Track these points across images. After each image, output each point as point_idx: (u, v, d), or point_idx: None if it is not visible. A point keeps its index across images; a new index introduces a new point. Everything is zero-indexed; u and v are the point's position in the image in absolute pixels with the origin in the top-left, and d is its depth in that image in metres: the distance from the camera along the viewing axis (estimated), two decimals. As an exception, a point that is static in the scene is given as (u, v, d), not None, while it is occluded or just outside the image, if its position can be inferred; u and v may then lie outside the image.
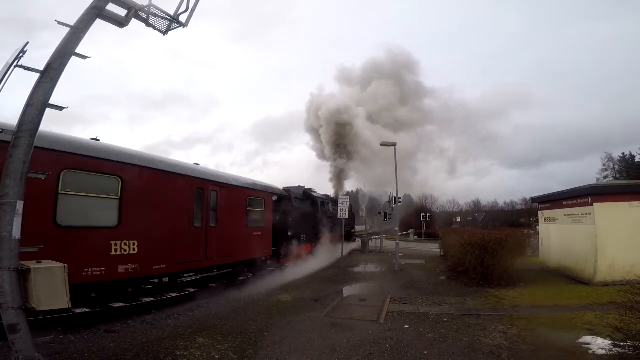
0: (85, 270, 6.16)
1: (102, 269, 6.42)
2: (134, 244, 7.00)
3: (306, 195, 16.85)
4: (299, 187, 17.20)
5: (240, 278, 10.95)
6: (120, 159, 6.96)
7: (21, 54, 3.74)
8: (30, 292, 3.58)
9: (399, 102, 28.63)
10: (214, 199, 9.46)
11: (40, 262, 4.07)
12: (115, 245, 6.70)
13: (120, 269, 6.75)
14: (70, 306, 3.89)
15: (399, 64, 29.34)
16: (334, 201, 19.77)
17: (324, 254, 15.93)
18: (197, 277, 9.04)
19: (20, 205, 3.63)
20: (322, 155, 28.17)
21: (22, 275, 3.59)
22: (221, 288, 9.69)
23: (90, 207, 6.47)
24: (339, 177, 25.61)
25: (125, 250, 6.84)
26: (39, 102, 3.78)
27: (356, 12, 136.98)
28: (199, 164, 10.12)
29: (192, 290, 8.76)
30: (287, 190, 15.49)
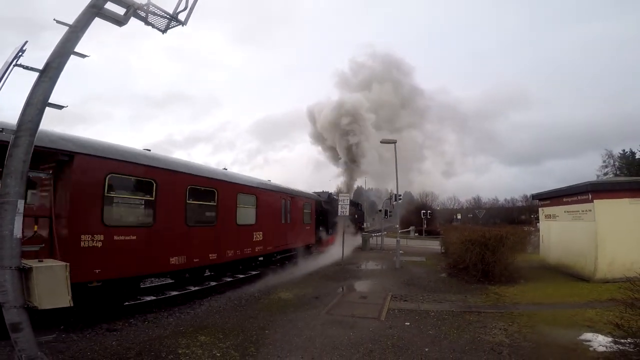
0: (245, 250, 10.63)
1: (250, 249, 10.91)
2: (261, 234, 11.50)
3: (330, 198, 21.41)
4: (324, 192, 22.54)
5: (294, 260, 14.93)
6: (256, 185, 11.79)
7: (20, 53, 3.72)
8: (32, 291, 3.59)
9: (400, 106, 30.13)
10: (288, 205, 14.11)
11: (42, 261, 4.09)
12: (254, 235, 11.17)
13: (256, 249, 11.33)
14: (71, 305, 3.89)
15: (392, 65, 31.13)
16: (351, 202, 22.40)
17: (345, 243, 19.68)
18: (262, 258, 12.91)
19: (20, 204, 3.63)
20: (333, 158, 31.07)
21: (24, 274, 3.60)
22: (279, 268, 13.33)
23: (246, 213, 10.89)
24: (350, 177, 29.33)
25: (258, 238, 11.34)
26: (38, 101, 3.77)
27: (357, 12, 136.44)
28: (269, 180, 13.90)
29: (256, 272, 11.89)
30: (319, 194, 20.81)
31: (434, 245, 22.61)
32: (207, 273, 10.15)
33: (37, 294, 3.58)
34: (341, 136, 28.07)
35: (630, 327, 3.98)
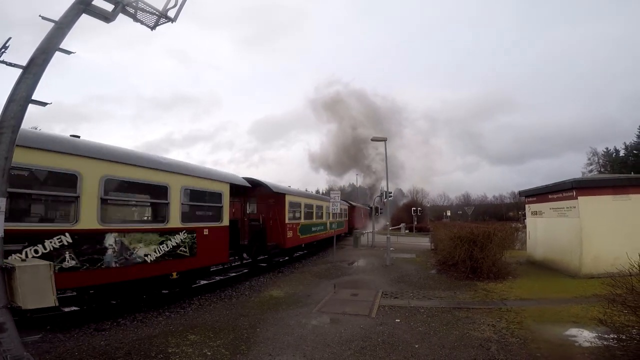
0: (359, 226, 32.05)
1: (361, 226, 33.00)
2: (350, 222, 30.20)
3: (367, 206, 36.08)
4: (364, 201, 41.83)
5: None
6: (359, 205, 35.97)
7: (3, 49, 3.62)
8: (15, 291, 3.51)
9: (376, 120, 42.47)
10: (353, 211, 31.10)
11: (25, 260, 4.00)
12: (356, 222, 32.25)
13: (358, 228, 29.60)
14: (57, 304, 3.82)
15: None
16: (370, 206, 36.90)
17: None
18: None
19: (3, 203, 3.53)
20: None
21: (7, 274, 3.51)
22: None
23: (359, 216, 34.40)
24: (373, 185, 42.96)
25: (359, 223, 33.30)
26: (21, 97, 3.67)
27: (356, 13, 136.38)
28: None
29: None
30: (364, 204, 38.89)
31: (424, 242, 22.86)
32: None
33: (20, 294, 3.50)
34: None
35: (613, 322, 4.08)
